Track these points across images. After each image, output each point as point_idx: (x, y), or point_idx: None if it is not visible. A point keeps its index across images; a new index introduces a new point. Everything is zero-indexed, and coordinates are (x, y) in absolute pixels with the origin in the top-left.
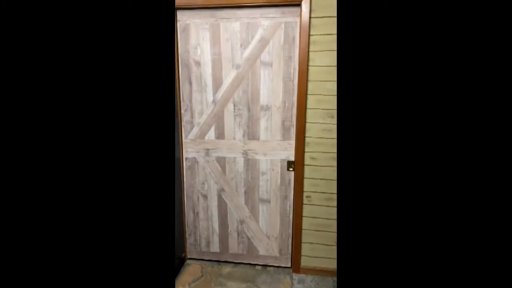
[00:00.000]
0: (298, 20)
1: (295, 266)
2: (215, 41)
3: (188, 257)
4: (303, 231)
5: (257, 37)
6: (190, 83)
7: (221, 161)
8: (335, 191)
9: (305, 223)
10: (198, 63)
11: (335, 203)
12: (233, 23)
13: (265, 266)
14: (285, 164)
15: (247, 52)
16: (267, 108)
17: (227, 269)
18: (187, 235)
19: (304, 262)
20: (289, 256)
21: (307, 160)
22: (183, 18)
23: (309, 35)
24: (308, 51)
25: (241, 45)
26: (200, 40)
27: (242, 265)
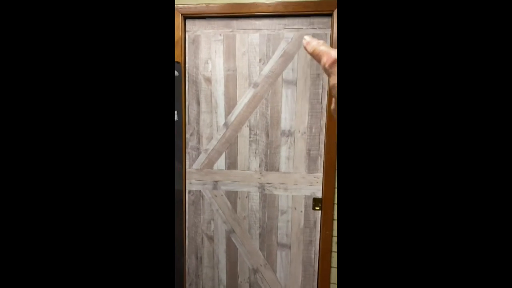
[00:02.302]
0: (329, 32)
1: None
2: (230, 55)
3: None
4: (331, 285)
5: (279, 51)
6: (199, 102)
7: (232, 195)
8: None
9: (335, 275)
10: (208, 80)
11: None
12: (252, 35)
13: None
14: (310, 201)
15: (267, 68)
16: (289, 134)
17: None
18: (187, 285)
19: None
20: None
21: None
22: (192, 29)
23: None
24: None
25: (260, 60)
26: (212, 54)
27: None
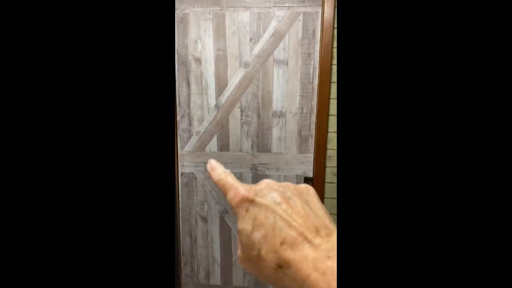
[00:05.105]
0: (320, 10)
1: None
2: (220, 34)
3: None
4: None
5: (270, 30)
6: (189, 84)
7: None
8: None
9: None
10: (198, 61)
11: None
12: (242, 13)
13: None
14: (302, 181)
15: (257, 47)
16: (281, 115)
17: None
18: (182, 265)
19: None
20: None
21: (328, 177)
22: (180, 7)
23: (333, 28)
24: (332, 48)
25: (250, 40)
26: (202, 33)
27: None
